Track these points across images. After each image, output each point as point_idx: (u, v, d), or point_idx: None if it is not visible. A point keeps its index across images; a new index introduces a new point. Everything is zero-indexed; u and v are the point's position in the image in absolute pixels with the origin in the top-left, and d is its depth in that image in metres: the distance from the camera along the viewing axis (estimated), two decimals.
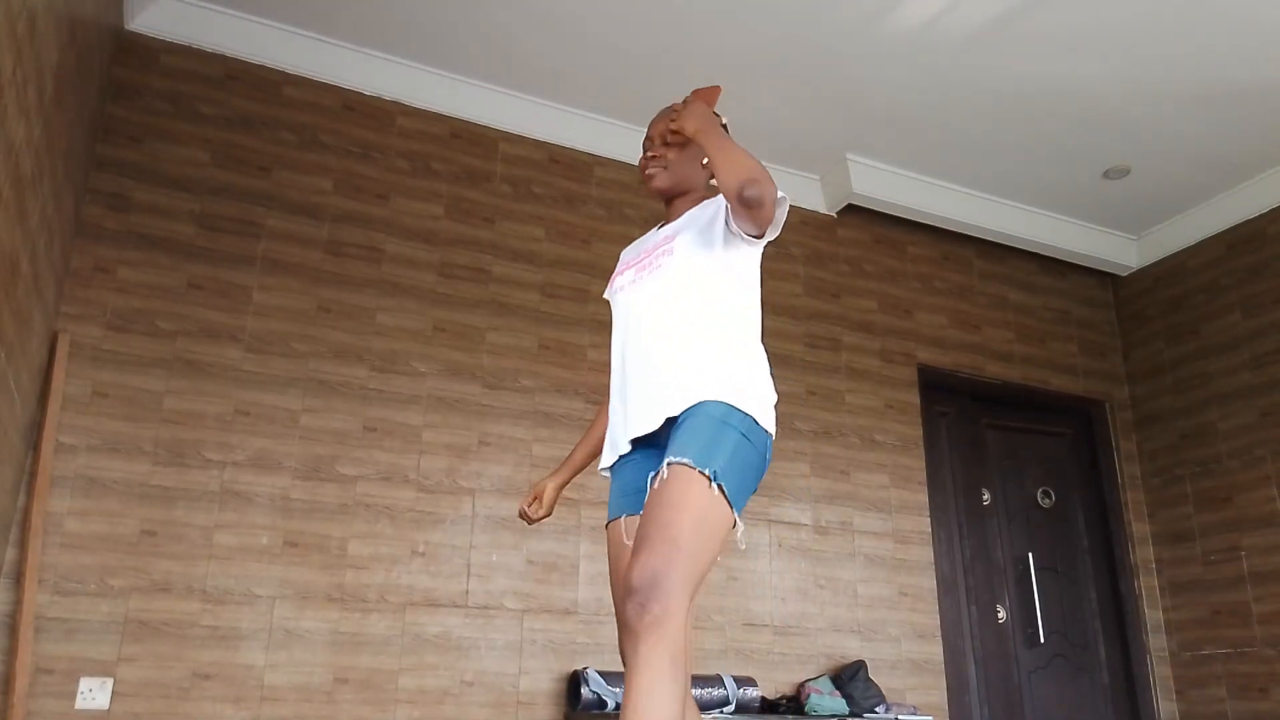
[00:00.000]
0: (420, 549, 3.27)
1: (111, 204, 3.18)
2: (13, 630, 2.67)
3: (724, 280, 1.85)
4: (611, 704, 3.15)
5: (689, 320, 1.79)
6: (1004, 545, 4.48)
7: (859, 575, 3.96)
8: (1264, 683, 4.06)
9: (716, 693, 3.33)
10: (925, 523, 4.18)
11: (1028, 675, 4.32)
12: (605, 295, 2.10)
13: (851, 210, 4.46)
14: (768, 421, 1.72)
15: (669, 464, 1.57)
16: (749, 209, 1.69)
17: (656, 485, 1.57)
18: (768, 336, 4.53)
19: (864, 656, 3.80)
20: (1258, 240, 4.42)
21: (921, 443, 4.32)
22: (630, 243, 2.20)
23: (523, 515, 2.11)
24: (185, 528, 2.99)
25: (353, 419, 3.30)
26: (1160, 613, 4.54)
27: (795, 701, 3.54)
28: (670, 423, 1.72)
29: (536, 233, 3.82)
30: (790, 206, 4.39)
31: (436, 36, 3.60)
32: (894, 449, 4.24)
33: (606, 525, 1.88)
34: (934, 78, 3.74)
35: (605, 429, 1.98)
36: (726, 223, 1.82)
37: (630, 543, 1.72)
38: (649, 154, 2.01)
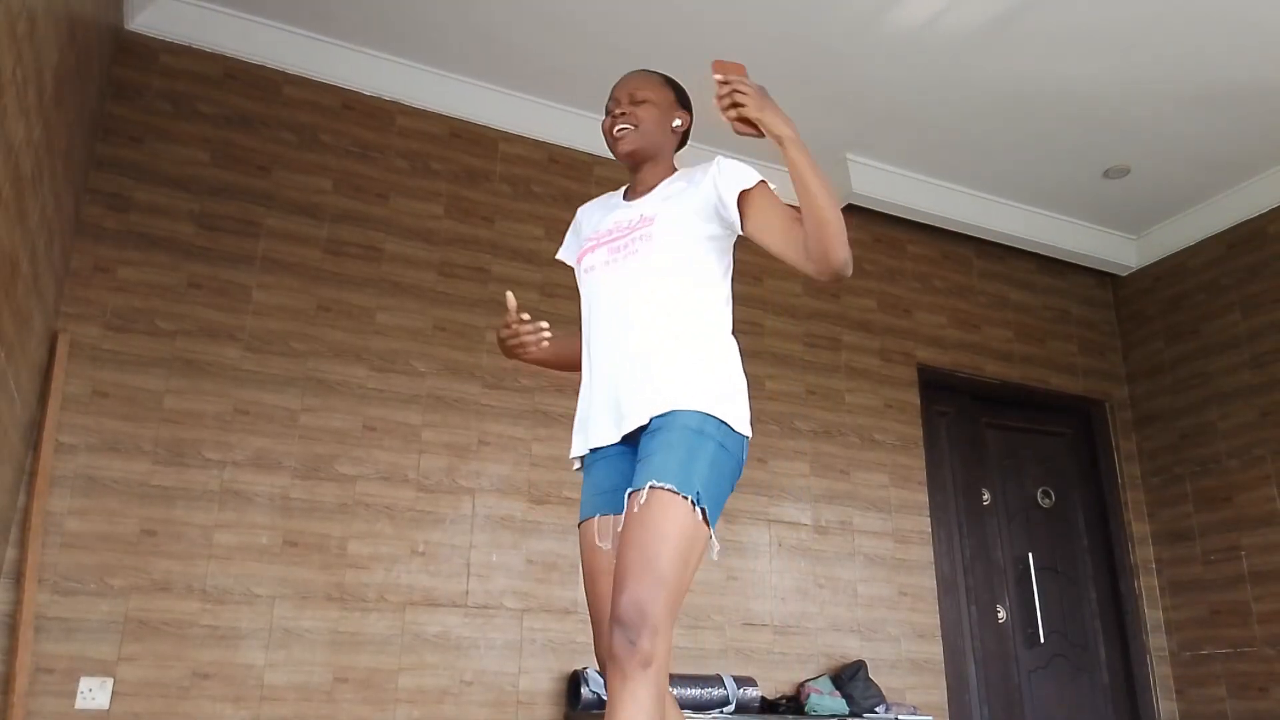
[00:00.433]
0: (420, 548, 3.27)
1: (111, 203, 3.18)
2: (13, 630, 2.67)
3: (703, 268, 1.78)
4: None
5: (667, 312, 1.71)
6: (1004, 545, 4.48)
7: (859, 575, 3.96)
8: (1264, 682, 4.06)
9: (716, 692, 3.33)
10: (925, 522, 4.18)
11: (1028, 675, 4.32)
12: (562, 258, 2.01)
13: (851, 210, 4.45)
14: (744, 423, 1.67)
15: (651, 487, 1.52)
16: (832, 279, 1.68)
17: (636, 508, 1.52)
18: (768, 336, 4.55)
19: (864, 656, 3.80)
20: (1257, 240, 4.42)
21: (921, 442, 4.32)
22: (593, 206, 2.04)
23: (512, 331, 1.90)
24: (185, 527, 2.99)
25: (352, 418, 3.30)
26: (1160, 612, 4.54)
27: (795, 701, 3.54)
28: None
29: (536, 232, 3.82)
30: (791, 206, 4.39)
31: (436, 36, 3.60)
32: (894, 448, 4.24)
33: (579, 525, 1.79)
34: (934, 77, 3.74)
35: (573, 353, 1.91)
36: (718, 210, 1.75)
37: (604, 545, 1.67)
38: (618, 112, 1.88)
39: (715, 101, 1.68)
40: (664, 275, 1.73)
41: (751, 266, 4.21)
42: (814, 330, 4.25)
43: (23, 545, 2.74)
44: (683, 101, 1.97)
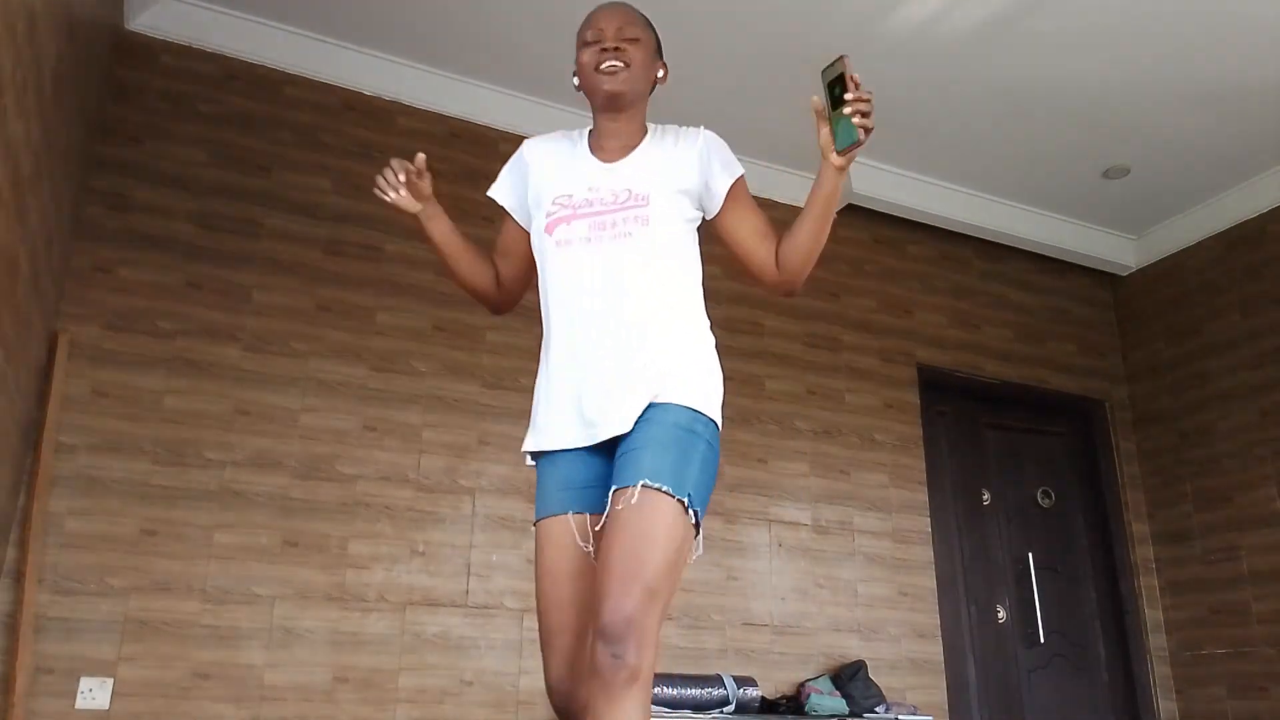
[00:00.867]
0: (420, 548, 3.27)
1: (111, 204, 3.18)
2: (13, 630, 2.67)
3: (689, 253, 1.69)
4: None
5: (661, 302, 1.60)
6: (1003, 545, 4.48)
7: (859, 575, 3.96)
8: (1263, 682, 4.06)
9: (716, 692, 3.33)
10: (925, 522, 4.19)
11: (1027, 675, 4.32)
12: (496, 198, 1.81)
13: (851, 210, 4.46)
14: (719, 414, 1.59)
15: (643, 487, 1.42)
16: (786, 294, 1.71)
17: (625, 508, 1.42)
18: (768, 336, 4.55)
19: (864, 656, 3.80)
20: (1257, 240, 4.42)
21: (921, 442, 4.32)
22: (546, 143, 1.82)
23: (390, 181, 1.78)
24: (185, 527, 2.99)
25: (352, 418, 3.30)
26: (1160, 612, 4.54)
27: (795, 701, 3.54)
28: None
29: None
30: (790, 206, 4.39)
31: (436, 36, 3.60)
32: (893, 448, 4.24)
33: (537, 521, 1.61)
34: (934, 77, 3.74)
35: (478, 264, 1.78)
36: (703, 196, 1.70)
37: (586, 547, 1.54)
38: (610, 46, 1.68)
39: (855, 104, 1.57)
40: (658, 263, 1.62)
41: None
42: (814, 330, 4.25)
43: (23, 545, 2.74)
44: (660, 51, 1.82)
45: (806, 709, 3.47)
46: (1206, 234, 4.64)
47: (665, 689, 3.26)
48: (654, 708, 3.17)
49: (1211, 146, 4.14)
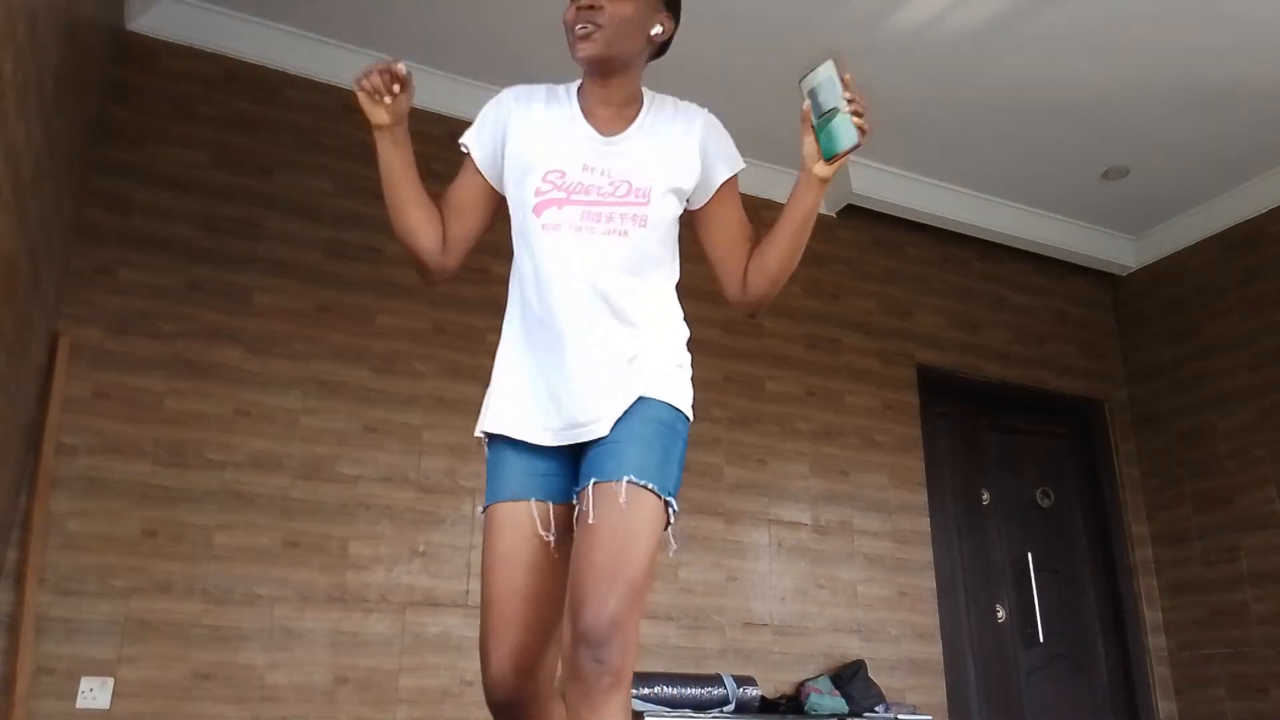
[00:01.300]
0: (421, 549, 3.27)
1: (112, 205, 3.18)
2: (14, 630, 2.68)
3: (673, 246, 1.62)
4: None
5: (649, 299, 1.54)
6: (1003, 546, 4.48)
7: (858, 575, 3.97)
8: (1263, 683, 4.06)
9: (716, 692, 3.33)
10: (924, 523, 4.19)
11: (1027, 675, 4.32)
12: (468, 147, 1.65)
13: (851, 211, 4.46)
14: (691, 411, 1.55)
15: (629, 483, 1.37)
16: (750, 311, 1.65)
17: (610, 505, 1.36)
18: (768, 338, 4.55)
19: (863, 656, 3.80)
20: (1257, 241, 4.42)
21: (921, 443, 4.32)
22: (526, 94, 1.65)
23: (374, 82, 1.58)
24: (186, 528, 2.99)
25: (353, 419, 3.31)
26: (1159, 613, 4.54)
27: (795, 701, 3.55)
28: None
29: None
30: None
31: (436, 37, 3.60)
32: (893, 449, 4.24)
33: (493, 505, 1.51)
34: (933, 79, 3.75)
35: (429, 213, 1.58)
36: (696, 187, 1.58)
37: (548, 536, 1.46)
38: (586, 4, 1.49)
39: (853, 105, 1.50)
40: (649, 264, 1.54)
41: None
42: (814, 332, 4.25)
43: (24, 546, 2.74)
44: (668, 2, 1.59)
45: (806, 709, 3.47)
46: (1206, 235, 4.64)
47: (665, 689, 3.27)
48: (655, 708, 3.18)
49: (1211, 147, 4.15)
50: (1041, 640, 4.35)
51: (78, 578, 2.83)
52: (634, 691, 3.19)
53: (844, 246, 4.47)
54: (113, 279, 3.11)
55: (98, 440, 2.96)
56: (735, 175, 1.63)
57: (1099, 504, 4.72)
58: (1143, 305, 4.94)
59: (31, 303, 2.56)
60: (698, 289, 4.02)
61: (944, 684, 3.98)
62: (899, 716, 3.57)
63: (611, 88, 1.57)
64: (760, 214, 4.30)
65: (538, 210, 1.53)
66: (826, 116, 1.52)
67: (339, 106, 3.64)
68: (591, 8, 1.49)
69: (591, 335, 1.49)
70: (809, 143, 1.54)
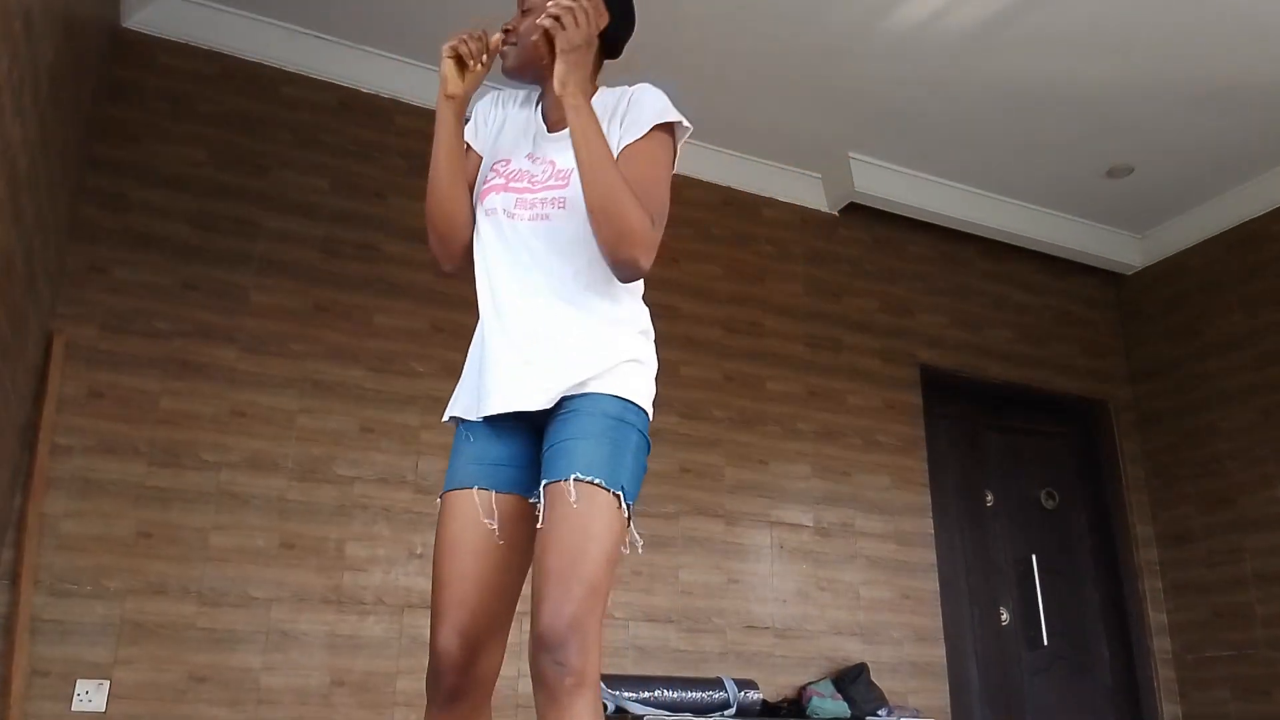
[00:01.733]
0: (418, 550, 3.25)
1: (107, 204, 3.16)
2: (8, 632, 2.66)
3: None
4: (611, 707, 3.13)
5: (580, 287, 1.53)
6: (1006, 547, 4.46)
7: (860, 577, 3.94)
8: (1267, 685, 4.04)
9: (717, 695, 3.31)
10: (927, 524, 4.16)
11: (1030, 677, 4.30)
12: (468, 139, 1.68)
13: (853, 209, 4.44)
14: (650, 404, 1.53)
15: (576, 480, 1.37)
16: (621, 277, 1.50)
17: (559, 504, 1.37)
18: (769, 337, 4.52)
19: (866, 659, 3.78)
20: (1260, 240, 4.40)
21: (923, 444, 4.29)
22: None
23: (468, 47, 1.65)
24: (181, 529, 2.97)
25: (350, 420, 3.28)
26: (1163, 614, 4.52)
27: (796, 704, 3.52)
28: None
29: None
30: (791, 205, 4.38)
31: (434, 34, 3.55)
32: (895, 450, 4.21)
33: (446, 494, 1.53)
34: (936, 76, 3.72)
35: (462, 203, 1.59)
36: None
37: (490, 523, 1.48)
38: (509, 27, 1.62)
39: (487, 49, 1.59)
40: (581, 246, 1.52)
41: (752, 267, 4.19)
42: (815, 331, 4.23)
43: (19, 547, 2.73)
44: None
45: (808, 712, 3.45)
46: (1210, 234, 4.61)
47: (665, 692, 3.25)
48: (655, 711, 3.16)
49: (1215, 146, 4.12)
50: (1045, 642, 4.32)
51: (72, 579, 2.81)
52: (635, 695, 3.17)
53: (845, 245, 4.44)
54: (108, 277, 3.09)
55: (93, 440, 2.94)
56: (644, 137, 1.55)
57: (1102, 504, 4.70)
58: (1146, 304, 4.91)
59: (26, 301, 2.54)
60: (698, 287, 4.04)
61: (946, 686, 3.96)
62: (901, 719, 3.55)
63: (552, 91, 1.58)
64: (761, 212, 4.31)
65: (482, 197, 1.61)
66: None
67: (336, 104, 3.62)
68: (509, 29, 1.62)
69: (524, 314, 1.52)
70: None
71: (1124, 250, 4.93)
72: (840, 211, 4.46)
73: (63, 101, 2.57)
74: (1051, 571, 4.48)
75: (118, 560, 2.87)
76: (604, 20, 1.59)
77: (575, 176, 1.50)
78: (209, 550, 2.98)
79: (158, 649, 2.85)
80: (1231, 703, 4.17)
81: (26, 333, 2.62)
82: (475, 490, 1.51)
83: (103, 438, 2.95)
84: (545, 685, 1.28)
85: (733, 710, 3.31)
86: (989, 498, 4.50)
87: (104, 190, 3.17)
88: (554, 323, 1.51)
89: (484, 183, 1.63)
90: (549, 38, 1.51)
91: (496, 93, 1.77)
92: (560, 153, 1.58)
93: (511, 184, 1.59)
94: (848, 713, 3.48)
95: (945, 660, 4.00)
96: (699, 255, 4.08)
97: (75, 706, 2.72)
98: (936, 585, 4.09)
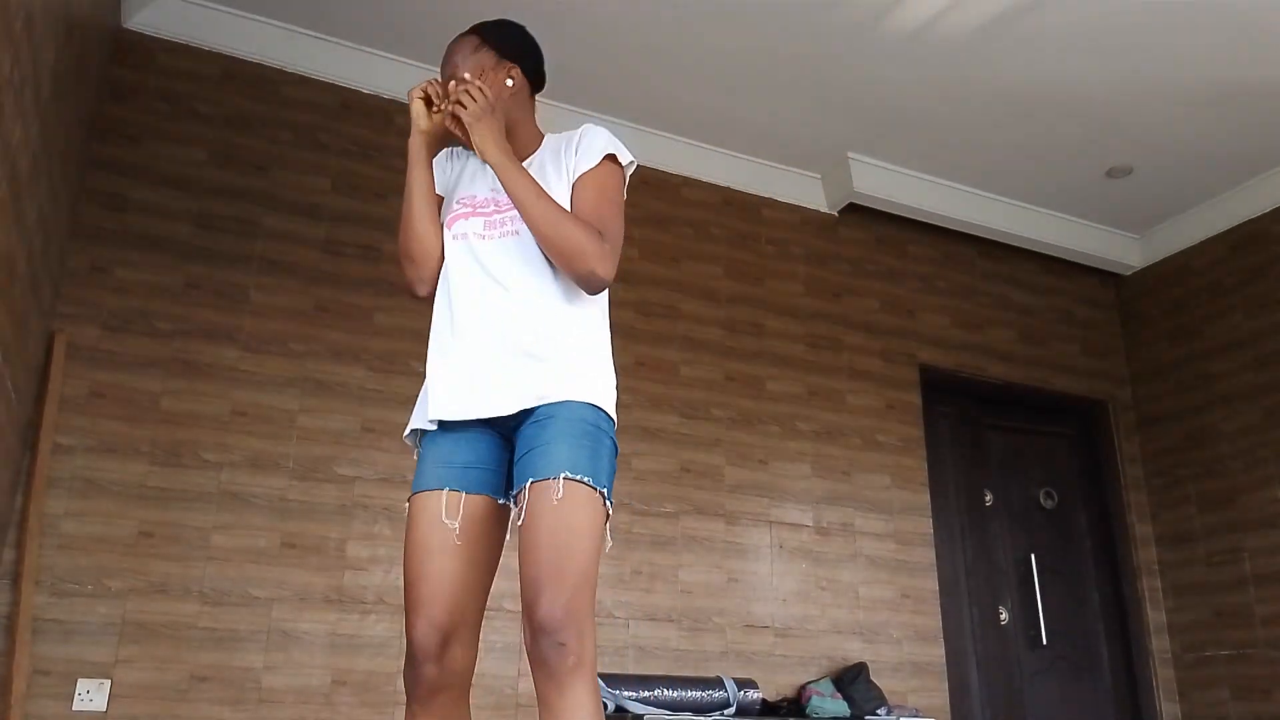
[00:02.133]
0: None
1: (109, 204, 3.17)
2: (10, 632, 2.66)
3: None
4: (611, 706, 3.13)
5: (548, 294, 1.65)
6: (1006, 547, 4.46)
7: (860, 577, 3.94)
8: (1267, 685, 4.04)
9: (717, 695, 3.31)
10: (927, 524, 4.17)
11: (1030, 677, 4.30)
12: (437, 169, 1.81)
13: (853, 210, 4.44)
14: (615, 411, 1.64)
15: (565, 479, 1.46)
16: (587, 289, 1.65)
17: (550, 501, 1.45)
18: (769, 337, 4.52)
19: (865, 658, 3.78)
20: (1261, 240, 4.40)
21: (923, 443, 4.30)
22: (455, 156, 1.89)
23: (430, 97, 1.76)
24: (182, 529, 2.97)
25: (351, 419, 3.29)
26: (1163, 614, 4.52)
27: (796, 704, 3.53)
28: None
29: None
30: (792, 205, 4.38)
31: (436, 34, 3.56)
32: (895, 450, 4.22)
33: (414, 495, 1.61)
34: (936, 76, 3.73)
35: (433, 231, 1.72)
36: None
37: (452, 523, 1.55)
38: (453, 101, 1.71)
39: (445, 96, 1.72)
40: (542, 261, 1.66)
41: (754, 268, 4.20)
42: (816, 331, 4.23)
43: (20, 547, 2.73)
44: (506, 52, 1.82)
45: (807, 711, 3.45)
46: (1210, 234, 4.61)
47: (665, 691, 3.25)
48: (655, 710, 3.16)
49: (1215, 146, 4.12)
50: (1044, 642, 4.32)
51: (74, 578, 2.82)
52: (634, 694, 3.17)
53: (846, 245, 4.45)
54: (109, 277, 3.10)
55: (94, 440, 2.94)
56: (597, 166, 1.71)
57: (1102, 505, 4.70)
58: (1147, 305, 4.91)
59: (28, 302, 2.54)
60: (699, 287, 4.05)
61: (946, 686, 3.96)
62: (901, 719, 3.55)
63: (509, 141, 1.74)
64: (761, 212, 4.31)
65: (449, 224, 1.75)
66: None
67: (337, 105, 3.62)
68: (458, 102, 1.71)
69: (489, 324, 1.63)
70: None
71: (1124, 251, 4.93)
72: (840, 212, 4.46)
73: (64, 102, 2.57)
74: (1051, 571, 4.48)
75: (119, 560, 2.88)
76: (499, 88, 1.76)
77: None
78: (210, 550, 2.99)
79: (159, 648, 2.85)
80: (1231, 703, 4.17)
81: (28, 333, 2.62)
82: (445, 491, 1.58)
83: (104, 437, 2.95)
84: (546, 666, 1.37)
85: (732, 709, 3.31)
86: (989, 497, 4.50)
87: (105, 190, 3.17)
88: (526, 332, 1.61)
89: (449, 213, 1.76)
90: (457, 119, 1.70)
91: (450, 149, 1.91)
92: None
93: (479, 210, 1.73)
94: (847, 712, 3.48)
95: (945, 660, 4.00)
96: (700, 255, 4.09)
97: (76, 706, 2.72)
98: (936, 585, 4.09)
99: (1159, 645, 4.46)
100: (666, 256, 3.98)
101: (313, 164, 3.51)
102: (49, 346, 2.91)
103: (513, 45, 1.85)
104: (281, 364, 3.24)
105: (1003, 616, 4.34)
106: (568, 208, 1.68)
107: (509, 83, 1.79)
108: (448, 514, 1.56)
